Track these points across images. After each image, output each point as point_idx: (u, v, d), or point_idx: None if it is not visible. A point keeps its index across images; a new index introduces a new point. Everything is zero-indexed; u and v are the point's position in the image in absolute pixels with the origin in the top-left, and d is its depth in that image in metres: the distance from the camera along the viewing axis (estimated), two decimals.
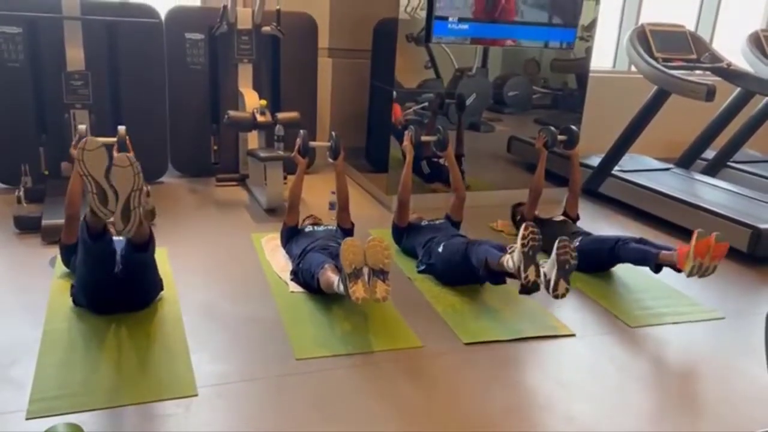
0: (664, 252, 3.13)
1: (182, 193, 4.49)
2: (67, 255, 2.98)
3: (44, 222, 3.43)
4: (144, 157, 4.20)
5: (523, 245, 2.64)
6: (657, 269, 3.15)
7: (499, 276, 2.87)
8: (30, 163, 4.03)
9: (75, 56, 4.02)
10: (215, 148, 4.75)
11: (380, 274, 2.56)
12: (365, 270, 2.55)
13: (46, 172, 4.13)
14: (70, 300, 2.75)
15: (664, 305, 3.18)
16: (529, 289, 2.66)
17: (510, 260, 2.71)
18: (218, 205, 4.32)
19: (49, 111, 4.17)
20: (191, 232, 3.79)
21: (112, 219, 2.39)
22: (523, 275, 2.64)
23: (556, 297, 2.65)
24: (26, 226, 3.53)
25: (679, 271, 3.06)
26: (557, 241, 2.68)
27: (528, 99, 4.92)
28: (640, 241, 3.33)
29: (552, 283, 2.64)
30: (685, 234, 4.17)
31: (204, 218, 4.04)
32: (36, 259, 3.26)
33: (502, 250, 3.02)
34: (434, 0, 4.14)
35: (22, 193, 3.60)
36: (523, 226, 2.69)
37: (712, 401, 2.49)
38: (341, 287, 2.59)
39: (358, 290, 2.50)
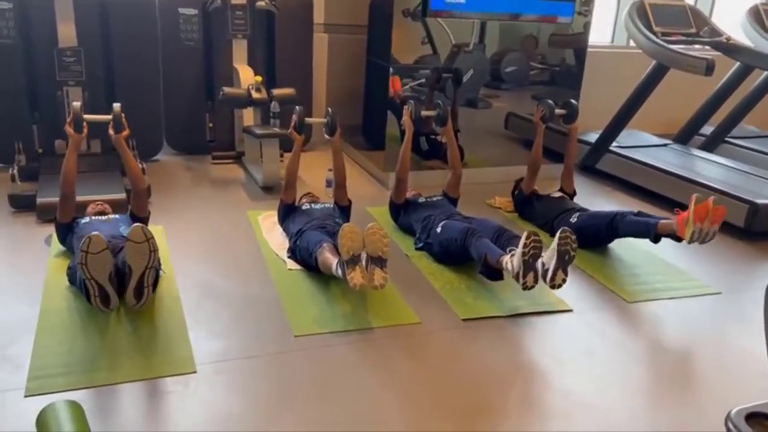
0: (662, 221, 3.14)
1: (178, 170, 4.47)
2: (63, 233, 2.97)
3: (39, 200, 3.41)
4: (138, 135, 4.26)
5: (524, 253, 2.63)
6: (656, 239, 3.16)
7: (497, 273, 2.86)
8: (24, 141, 4.01)
9: (67, 32, 3.97)
10: (210, 125, 4.69)
11: (378, 261, 2.55)
12: (363, 257, 2.54)
13: (40, 150, 4.09)
14: (66, 279, 2.74)
15: (661, 281, 3.19)
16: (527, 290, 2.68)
17: (510, 263, 2.69)
18: (214, 182, 4.30)
19: (42, 88, 4.12)
20: (187, 210, 3.78)
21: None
22: (521, 281, 2.64)
23: (553, 287, 2.64)
24: (21, 205, 3.52)
25: (679, 239, 3.06)
26: (559, 232, 2.66)
27: (525, 75, 4.88)
28: (638, 214, 3.33)
29: (550, 272, 2.62)
30: (681, 209, 4.17)
31: (200, 196, 4.02)
32: (32, 238, 3.25)
33: (500, 236, 3.02)
34: None
35: (16, 172, 3.57)
36: (525, 234, 2.66)
37: (708, 376, 2.51)
38: (339, 271, 2.59)
39: (356, 277, 2.50)
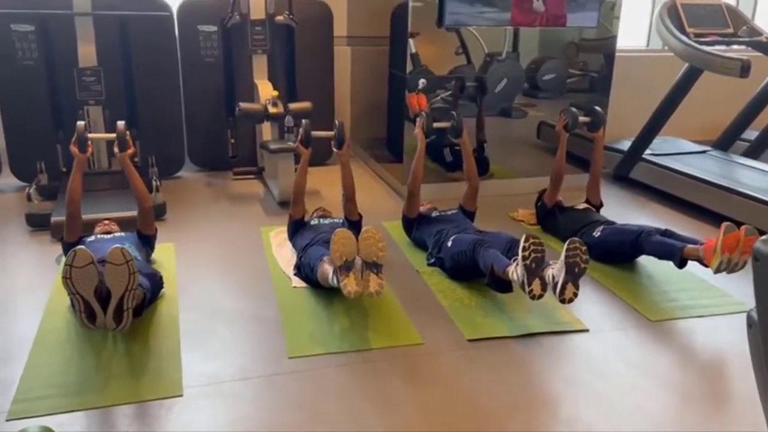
0: (689, 246, 2.92)
1: (198, 186, 4.47)
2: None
3: (53, 219, 3.44)
4: (160, 152, 4.31)
5: (524, 258, 2.48)
6: (681, 264, 2.94)
7: (505, 285, 2.71)
8: (47, 160, 4.08)
9: (87, 52, 4.03)
10: (232, 141, 4.69)
11: (374, 267, 2.45)
12: (357, 262, 2.44)
13: (64, 169, 4.14)
14: (68, 299, 2.71)
15: (689, 297, 2.97)
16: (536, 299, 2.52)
17: (515, 272, 2.55)
18: (232, 198, 4.28)
19: (65, 108, 4.19)
20: (201, 226, 3.75)
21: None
22: (527, 289, 2.49)
23: (563, 302, 2.47)
24: (37, 223, 3.55)
25: (705, 266, 2.85)
26: (567, 243, 2.51)
27: (563, 83, 4.74)
28: (665, 233, 3.12)
29: (559, 286, 2.46)
30: (721, 221, 3.90)
31: (216, 212, 3.99)
32: (44, 257, 3.27)
33: (512, 247, 2.87)
34: None
35: (32, 191, 3.61)
36: (523, 237, 2.52)
37: (740, 403, 2.29)
38: (334, 280, 2.49)
39: (349, 284, 2.40)
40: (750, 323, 1.17)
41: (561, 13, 4.32)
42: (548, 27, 4.41)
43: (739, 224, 3.75)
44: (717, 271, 2.77)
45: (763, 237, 1.09)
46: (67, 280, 2.25)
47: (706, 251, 2.81)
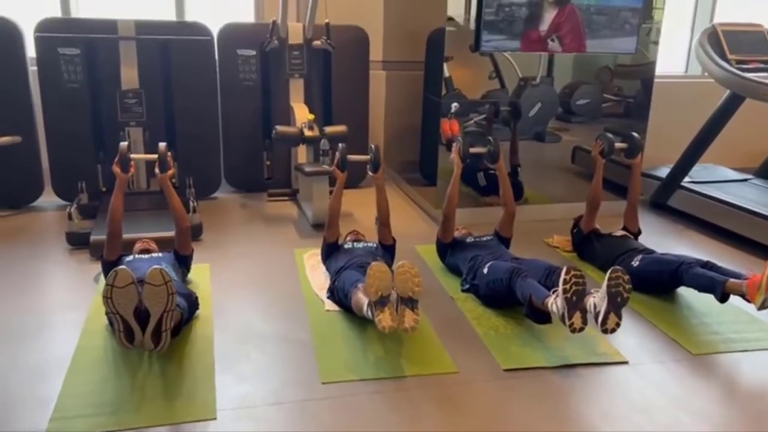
0: (732, 280, 2.83)
1: (233, 208, 4.51)
2: (108, 271, 3.00)
3: (92, 237, 3.50)
4: (197, 173, 4.38)
5: (564, 290, 2.44)
6: (723, 299, 2.85)
7: (543, 316, 2.66)
8: (88, 180, 4.17)
9: (130, 75, 4.14)
10: (268, 163, 4.75)
11: (409, 302, 2.43)
12: (393, 297, 2.42)
13: (104, 189, 4.24)
14: (105, 318, 2.75)
15: (732, 330, 2.88)
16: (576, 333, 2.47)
17: (554, 304, 2.51)
18: (267, 220, 4.31)
19: (107, 129, 4.29)
20: (236, 247, 3.78)
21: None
22: (567, 322, 2.44)
23: (605, 332, 2.43)
24: (77, 242, 3.62)
25: (748, 301, 2.76)
26: (609, 272, 2.46)
27: (597, 107, 4.70)
28: (706, 264, 3.03)
29: (601, 315, 2.42)
30: (763, 251, 3.83)
31: (251, 233, 4.02)
32: (83, 275, 3.32)
33: (550, 275, 2.83)
34: (482, 9, 3.99)
35: (73, 210, 3.69)
36: (564, 269, 2.49)
37: None
38: (369, 314, 2.48)
39: (384, 319, 2.38)
40: None
41: (581, 43, 4.29)
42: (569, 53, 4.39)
43: None
44: (761, 308, 2.69)
45: None
46: (108, 299, 2.28)
47: (750, 287, 2.72)
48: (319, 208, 4.02)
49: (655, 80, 4.62)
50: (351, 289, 2.74)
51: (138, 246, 3.18)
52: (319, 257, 3.41)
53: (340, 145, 3.44)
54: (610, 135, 3.67)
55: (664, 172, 4.72)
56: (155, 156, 3.15)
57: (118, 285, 2.28)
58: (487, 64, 4.40)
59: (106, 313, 2.57)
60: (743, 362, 2.68)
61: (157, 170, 3.13)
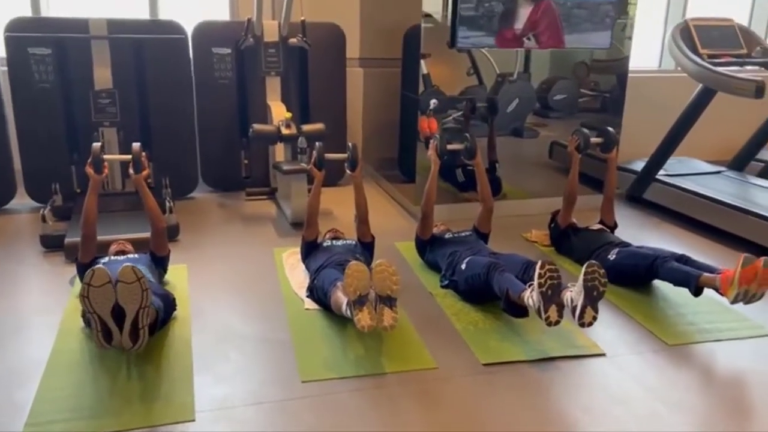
0: (705, 275, 2.87)
1: (211, 207, 4.48)
2: (83, 273, 2.96)
3: (67, 240, 3.45)
4: (174, 173, 4.33)
5: (540, 285, 2.46)
6: (697, 293, 2.89)
7: (520, 310, 2.68)
8: (62, 181, 4.11)
9: (102, 75, 4.08)
10: (245, 162, 4.72)
11: (387, 300, 2.43)
12: (371, 296, 2.42)
13: (78, 191, 4.18)
14: (81, 321, 2.72)
15: (707, 321, 2.93)
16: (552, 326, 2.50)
17: (530, 298, 2.53)
18: (245, 219, 4.28)
19: (80, 130, 4.23)
20: (214, 247, 3.75)
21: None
22: (543, 316, 2.46)
23: (582, 326, 2.45)
24: (52, 245, 3.56)
25: (722, 295, 2.81)
26: (585, 266, 2.49)
27: (574, 103, 4.74)
28: (681, 258, 3.08)
29: (578, 309, 2.44)
30: (737, 243, 3.89)
31: (229, 233, 4.00)
32: (58, 278, 3.28)
33: (528, 269, 2.85)
34: (458, 5, 4.00)
35: (47, 212, 3.63)
36: (539, 263, 2.51)
37: (759, 428, 2.24)
38: (348, 313, 2.48)
39: (363, 318, 2.38)
40: None
41: (559, 39, 4.31)
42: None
43: (753, 246, 3.73)
44: (734, 302, 2.73)
45: None
46: (85, 298, 2.26)
47: (723, 282, 2.76)
48: (298, 207, 4.01)
49: (630, 75, 4.67)
50: (330, 288, 2.74)
51: (113, 248, 3.14)
52: (299, 256, 3.40)
53: (317, 144, 3.43)
54: (585, 130, 3.70)
55: (639, 165, 4.78)
56: (129, 156, 3.11)
57: (95, 284, 2.25)
58: (466, 61, 4.41)
59: (83, 314, 2.55)
60: (717, 351, 2.72)
61: (131, 171, 3.10)
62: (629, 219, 4.38)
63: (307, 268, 3.25)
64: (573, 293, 2.50)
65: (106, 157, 3.09)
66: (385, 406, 2.29)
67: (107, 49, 4.09)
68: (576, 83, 4.72)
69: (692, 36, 4.19)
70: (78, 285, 3.05)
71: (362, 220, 3.31)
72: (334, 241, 3.31)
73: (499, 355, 2.59)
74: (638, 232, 4.08)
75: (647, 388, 2.44)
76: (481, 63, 4.44)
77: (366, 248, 3.29)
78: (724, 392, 2.48)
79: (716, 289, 2.81)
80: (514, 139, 4.78)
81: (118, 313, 2.30)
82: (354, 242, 3.32)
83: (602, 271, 2.48)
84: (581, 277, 2.47)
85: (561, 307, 2.47)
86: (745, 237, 3.88)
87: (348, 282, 2.42)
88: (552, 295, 2.46)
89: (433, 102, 4.23)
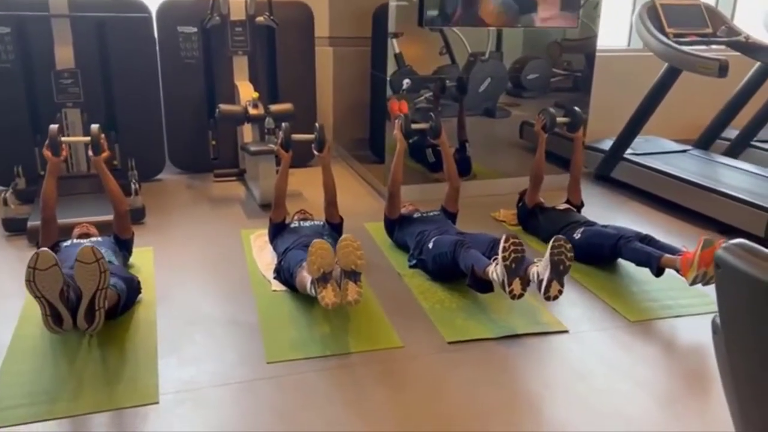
0: (666, 256, 2.92)
1: (178, 189, 4.43)
2: None
3: (30, 223, 3.39)
4: (140, 154, 4.27)
5: (504, 258, 2.49)
6: (659, 273, 2.93)
7: (485, 285, 2.71)
8: (25, 164, 4.02)
9: (64, 54, 3.98)
10: (213, 142, 4.63)
11: (352, 275, 2.44)
12: (335, 272, 2.42)
13: (42, 173, 4.07)
14: None
15: (669, 297, 2.98)
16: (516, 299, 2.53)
17: (495, 272, 2.55)
18: (213, 201, 4.24)
19: (43, 111, 4.13)
20: (181, 229, 3.72)
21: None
22: (507, 289, 2.49)
23: (548, 299, 2.49)
24: (14, 228, 3.51)
25: (682, 276, 2.86)
26: (552, 240, 2.52)
27: (547, 82, 4.76)
28: (644, 238, 3.13)
29: (544, 284, 2.48)
30: (701, 220, 3.95)
31: (196, 215, 3.96)
32: (21, 262, 3.16)
33: (494, 247, 2.87)
34: None
35: (9, 195, 3.56)
36: (504, 237, 2.53)
37: (716, 403, 2.29)
38: (313, 291, 2.48)
39: (327, 296, 2.39)
40: (714, 330, 1.17)
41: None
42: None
43: (717, 223, 3.80)
44: (693, 283, 2.78)
45: (725, 245, 1.08)
46: (31, 283, 2.21)
47: (683, 263, 2.81)
48: (267, 188, 3.98)
49: (598, 54, 4.68)
50: (296, 268, 2.73)
51: (77, 231, 3.10)
52: (267, 237, 3.39)
53: (283, 124, 3.40)
54: (552, 110, 3.72)
55: (607, 144, 4.82)
56: (88, 138, 3.06)
57: (41, 267, 2.21)
58: (438, 40, 4.39)
59: (33, 298, 2.51)
60: (678, 326, 2.78)
61: (90, 153, 3.04)
62: (598, 198, 4.43)
63: (275, 249, 3.24)
64: (539, 267, 2.53)
65: (64, 139, 3.03)
66: (351, 385, 2.31)
67: (68, 28, 3.98)
68: (549, 63, 4.73)
69: (659, 15, 4.21)
70: None
71: (330, 201, 3.30)
72: (302, 222, 3.30)
73: (464, 333, 2.62)
74: (606, 211, 4.12)
75: (608, 364, 2.48)
76: (453, 42, 4.42)
77: (334, 229, 3.28)
78: (684, 366, 2.53)
79: (677, 270, 2.85)
80: (486, 119, 4.79)
81: (72, 296, 2.26)
82: (322, 223, 3.31)
83: (569, 245, 2.52)
84: (548, 251, 2.50)
85: (525, 281, 2.51)
86: (709, 215, 3.95)
87: (311, 260, 2.42)
88: (516, 268, 2.48)
89: (406, 82, 4.21)
